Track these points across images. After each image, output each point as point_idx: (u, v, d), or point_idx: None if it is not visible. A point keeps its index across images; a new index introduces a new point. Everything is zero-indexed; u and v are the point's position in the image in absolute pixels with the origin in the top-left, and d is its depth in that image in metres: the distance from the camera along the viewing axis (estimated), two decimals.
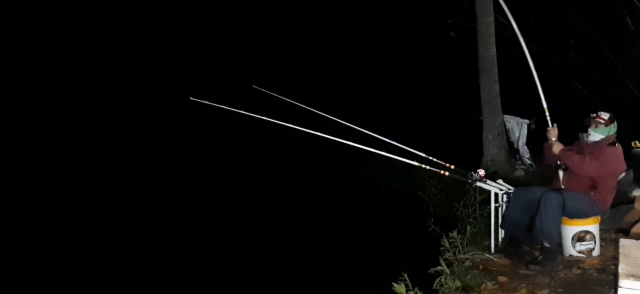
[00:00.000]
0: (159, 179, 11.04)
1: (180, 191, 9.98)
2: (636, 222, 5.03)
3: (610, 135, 4.57)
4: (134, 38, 19.66)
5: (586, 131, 4.64)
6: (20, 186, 10.32)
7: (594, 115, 4.63)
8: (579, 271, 4.28)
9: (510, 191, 4.94)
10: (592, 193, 4.50)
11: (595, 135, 4.58)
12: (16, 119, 17.17)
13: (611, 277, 3.96)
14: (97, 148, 14.55)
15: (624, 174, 5.57)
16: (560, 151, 4.58)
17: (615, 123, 4.60)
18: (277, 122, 4.97)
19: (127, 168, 12.32)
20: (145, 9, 19.22)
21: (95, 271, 6.11)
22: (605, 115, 4.60)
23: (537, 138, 6.99)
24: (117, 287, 5.76)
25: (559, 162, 4.64)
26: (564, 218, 4.49)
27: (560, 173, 4.64)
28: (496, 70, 8.96)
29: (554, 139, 4.65)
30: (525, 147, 9.43)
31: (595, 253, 4.55)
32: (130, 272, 6.02)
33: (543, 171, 4.86)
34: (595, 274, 4.21)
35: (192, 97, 5.09)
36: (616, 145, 4.53)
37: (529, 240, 4.76)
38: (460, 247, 4.79)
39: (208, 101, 5.00)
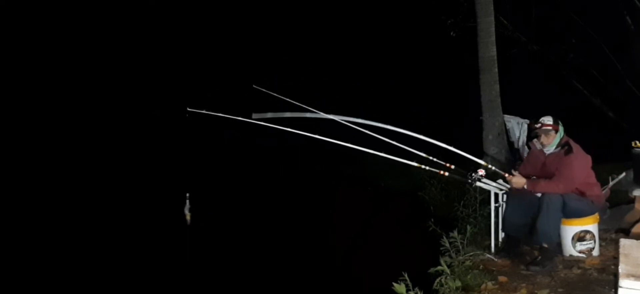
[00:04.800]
0: (158, 178, 11.02)
1: (179, 190, 9.95)
2: (636, 222, 5.01)
3: (562, 139, 4.54)
4: (134, 37, 19.63)
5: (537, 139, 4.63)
6: (19, 186, 10.32)
7: (539, 124, 4.59)
8: (579, 271, 4.28)
9: None
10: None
11: (551, 147, 4.57)
12: (15, 119, 17.16)
13: (611, 277, 3.96)
14: (95, 147, 14.54)
15: (624, 174, 5.58)
16: (533, 188, 4.49)
17: (560, 123, 4.58)
18: (278, 127, 4.97)
19: (126, 166, 12.31)
20: (145, 9, 19.21)
21: (95, 270, 6.12)
22: (549, 120, 4.56)
23: None
24: (117, 286, 5.77)
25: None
26: (564, 219, 4.47)
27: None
28: (496, 70, 8.95)
29: (519, 180, 4.55)
30: (526, 146, 9.40)
31: (595, 252, 4.55)
32: (129, 271, 6.02)
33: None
34: (596, 274, 4.21)
35: (190, 108, 5.04)
36: (572, 148, 4.48)
37: (529, 241, 4.76)
38: (461, 247, 4.78)
39: (206, 109, 4.96)
